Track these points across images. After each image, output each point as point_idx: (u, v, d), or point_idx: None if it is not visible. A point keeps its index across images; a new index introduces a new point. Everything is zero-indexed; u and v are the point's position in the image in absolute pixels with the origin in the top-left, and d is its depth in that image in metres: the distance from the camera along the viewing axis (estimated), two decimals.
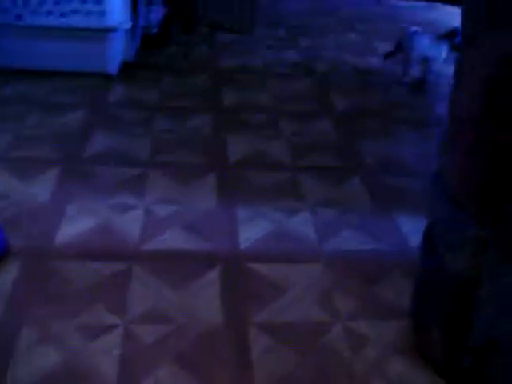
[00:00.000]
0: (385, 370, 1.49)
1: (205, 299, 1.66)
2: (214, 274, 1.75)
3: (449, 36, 3.20)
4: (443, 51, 3.22)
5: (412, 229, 2.06)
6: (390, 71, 3.65)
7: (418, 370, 1.50)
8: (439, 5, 5.42)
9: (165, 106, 2.88)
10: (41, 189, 2.10)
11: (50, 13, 2.97)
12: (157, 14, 3.75)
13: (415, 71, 3.46)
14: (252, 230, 1.96)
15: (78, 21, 2.99)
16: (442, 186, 1.41)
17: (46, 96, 2.89)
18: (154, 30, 3.73)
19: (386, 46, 4.18)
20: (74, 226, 1.91)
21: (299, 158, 2.48)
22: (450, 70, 3.51)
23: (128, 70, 3.30)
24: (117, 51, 3.15)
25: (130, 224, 1.95)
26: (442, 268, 1.37)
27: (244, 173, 2.32)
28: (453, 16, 4.92)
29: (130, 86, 3.09)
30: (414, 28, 3.34)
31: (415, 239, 2.00)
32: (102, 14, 2.98)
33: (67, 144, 2.43)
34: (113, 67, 3.15)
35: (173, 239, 1.89)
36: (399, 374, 1.48)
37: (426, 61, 3.33)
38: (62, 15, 2.98)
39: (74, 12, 2.98)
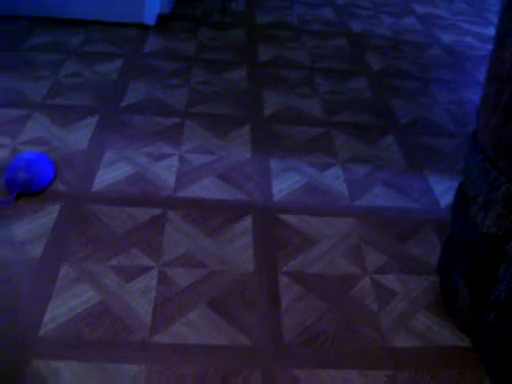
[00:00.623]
0: (411, 324, 1.52)
1: (237, 247, 1.70)
2: (246, 224, 1.79)
3: None
4: None
5: (444, 189, 2.07)
6: (428, 32, 3.62)
7: (444, 325, 1.53)
8: None
9: (201, 58, 2.89)
10: (79, 136, 2.14)
11: None
12: None
13: None
14: (285, 183, 1.99)
15: None
16: (476, 145, 1.42)
17: (82, 45, 2.91)
18: None
19: (424, 8, 4.13)
20: (111, 173, 1.96)
21: (333, 114, 2.49)
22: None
23: (164, 21, 3.31)
24: (154, 1, 3.15)
25: (166, 172, 1.99)
26: (473, 225, 1.39)
27: (278, 127, 2.33)
28: None
29: (166, 37, 3.10)
30: None
31: (446, 199, 2.02)
32: None
33: (105, 93, 2.46)
34: (150, 17, 3.16)
35: (207, 188, 1.93)
36: (425, 329, 1.51)
37: None
38: None
39: None
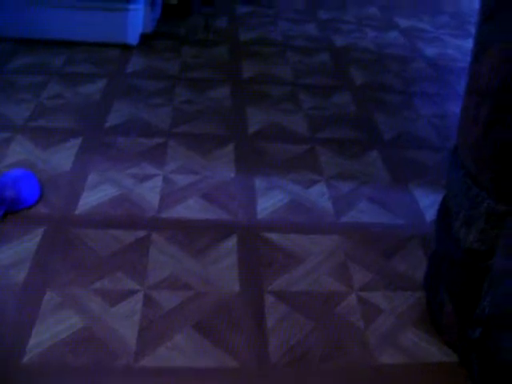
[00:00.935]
0: (398, 341, 1.52)
1: (222, 268, 1.69)
2: (231, 243, 1.78)
3: None
4: None
5: (429, 203, 2.08)
6: (411, 46, 3.64)
7: (431, 341, 1.53)
8: None
9: (185, 77, 2.89)
10: (63, 158, 2.13)
11: None
12: None
13: None
14: (269, 201, 1.99)
15: None
16: (457, 160, 1.42)
17: (65, 66, 2.91)
18: (174, 1, 3.74)
19: (407, 22, 4.16)
20: (95, 195, 1.95)
21: (317, 130, 2.49)
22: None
23: (147, 40, 3.31)
24: (137, 21, 3.16)
25: (150, 193, 1.98)
26: (456, 241, 1.40)
27: (263, 144, 2.34)
28: None
29: (149, 57, 3.11)
30: None
31: (431, 213, 2.02)
32: None
33: (88, 114, 2.46)
34: (133, 37, 3.16)
35: (191, 208, 1.92)
36: (412, 345, 1.51)
37: None
38: None
39: None
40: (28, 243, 1.73)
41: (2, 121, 2.36)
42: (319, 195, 2.05)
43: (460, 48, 3.70)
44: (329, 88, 2.93)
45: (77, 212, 1.87)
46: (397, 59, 3.39)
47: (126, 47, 3.19)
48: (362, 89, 2.95)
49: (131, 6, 3.05)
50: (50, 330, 1.46)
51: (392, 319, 1.58)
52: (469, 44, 3.81)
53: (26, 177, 1.88)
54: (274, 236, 1.83)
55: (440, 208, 1.55)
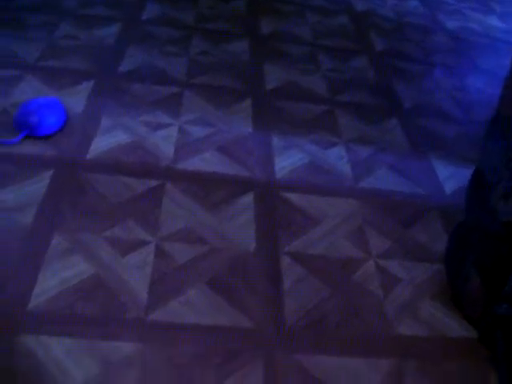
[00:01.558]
0: (416, 313, 1.46)
1: (238, 224, 1.62)
2: (248, 200, 1.71)
3: None
4: None
5: (448, 175, 2.01)
6: (431, 17, 3.54)
7: (450, 315, 1.48)
8: None
9: (201, 28, 2.79)
10: (75, 100, 2.04)
11: None
12: None
13: None
14: (287, 160, 1.92)
15: None
16: (497, 131, 1.35)
17: (80, 7, 2.80)
18: None
19: None
20: (107, 141, 1.87)
21: (336, 93, 2.41)
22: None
23: None
24: None
25: (164, 142, 1.90)
26: (493, 213, 1.33)
27: (281, 102, 2.25)
28: None
29: (165, 4, 3.00)
30: None
31: (451, 185, 1.96)
32: None
33: (101, 58, 2.36)
34: None
35: (207, 161, 1.85)
36: (431, 318, 1.46)
37: None
38: None
39: None
40: (35, 186, 1.65)
41: (11, 58, 2.26)
42: (338, 158, 1.97)
43: (482, 23, 3.60)
44: (348, 51, 2.83)
45: (88, 156, 1.79)
46: (417, 29, 3.30)
47: None
48: (381, 55, 2.86)
49: None
50: (58, 276, 1.39)
51: (410, 290, 1.53)
52: (491, 20, 3.71)
53: (51, 103, 1.86)
54: (291, 196, 1.76)
55: (472, 179, 1.48)
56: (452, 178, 2.00)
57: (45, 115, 1.82)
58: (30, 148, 1.78)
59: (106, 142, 1.86)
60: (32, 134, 1.82)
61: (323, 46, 2.84)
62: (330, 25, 3.12)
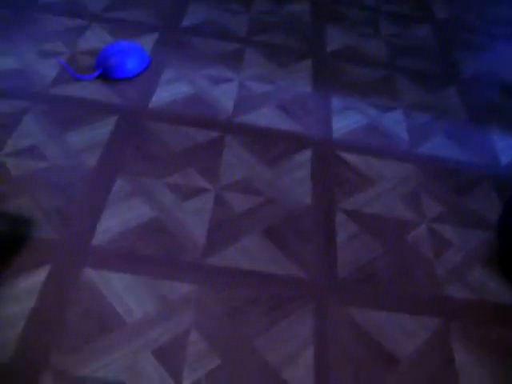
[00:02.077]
0: (465, 276, 1.48)
1: (295, 179, 1.65)
2: (305, 157, 1.73)
3: None
4: None
5: (505, 145, 2.00)
6: None
7: (500, 282, 1.49)
8: None
9: None
10: None
11: None
12: None
13: None
14: (345, 121, 1.93)
15: None
16: None
17: (106, 9, 2.83)
18: None
19: None
20: (170, 92, 1.91)
21: (396, 58, 2.40)
22: None
23: None
24: None
25: (225, 95, 1.93)
26: None
27: (340, 64, 2.26)
28: None
29: None
30: None
31: (507, 156, 1.94)
32: None
33: (164, 11, 2.39)
34: None
35: (266, 117, 1.87)
36: (480, 283, 1.47)
37: None
38: None
39: None
40: (101, 130, 1.70)
41: (77, 8, 2.31)
42: (396, 122, 1.98)
43: None
44: (409, 18, 2.81)
45: (150, 105, 1.83)
46: None
47: None
48: (443, 24, 2.82)
49: None
50: (120, 217, 1.44)
51: (461, 255, 1.54)
52: None
53: (132, 50, 1.93)
54: (348, 156, 1.77)
55: None
56: (509, 149, 1.99)
57: (123, 59, 1.89)
58: (97, 94, 1.83)
59: (168, 92, 1.90)
60: (106, 75, 1.90)
61: (385, 11, 2.82)
62: None
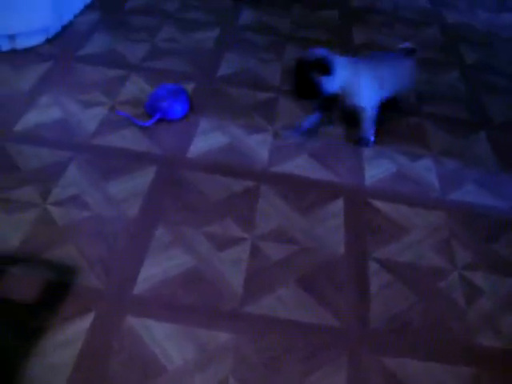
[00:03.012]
0: (498, 325, 1.50)
1: (329, 228, 1.70)
2: (338, 205, 1.78)
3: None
4: None
5: None
6: None
7: None
8: None
9: (294, 36, 2.88)
10: None
11: None
12: None
13: None
14: (376, 169, 1.98)
15: None
16: None
17: (180, 11, 2.93)
18: None
19: None
20: (206, 141, 1.98)
21: (425, 104, 2.45)
22: None
23: None
24: None
25: (259, 145, 1.99)
26: None
27: None
28: None
29: (260, 11, 3.09)
30: None
31: None
32: None
33: (200, 61, 2.48)
34: None
35: (300, 166, 1.93)
36: (511, 330, 1.49)
37: None
38: None
39: None
40: (140, 179, 1.77)
41: (117, 58, 2.41)
42: (426, 169, 2.02)
43: None
44: (438, 63, 2.86)
45: (188, 155, 1.90)
46: (509, 43, 3.28)
47: None
48: (472, 68, 2.87)
49: None
50: (161, 266, 1.50)
51: (493, 302, 1.56)
52: None
53: (179, 91, 2.05)
54: (380, 204, 1.82)
55: None
56: None
57: (174, 101, 2.02)
58: (136, 143, 1.91)
59: (204, 142, 1.97)
60: (163, 117, 2.02)
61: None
62: (421, 36, 3.15)
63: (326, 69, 1.88)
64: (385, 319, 1.46)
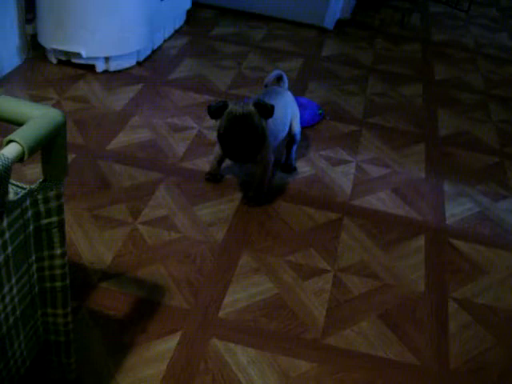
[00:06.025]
0: None
1: (410, 265, 1.72)
2: (419, 243, 1.80)
3: None
4: None
5: None
6: None
7: None
8: None
9: (377, 69, 2.91)
10: None
11: None
12: None
13: None
14: (457, 208, 1.99)
15: None
16: None
17: (265, 40, 3.01)
18: None
19: None
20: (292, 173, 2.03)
21: (507, 145, 2.44)
22: None
23: (343, 26, 3.35)
24: (336, 7, 3.21)
25: (343, 178, 2.03)
26: None
27: (453, 149, 2.33)
28: None
29: (343, 43, 3.15)
30: None
31: None
32: None
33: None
34: (330, 22, 3.22)
35: (382, 200, 1.96)
36: None
37: None
38: None
39: None
40: (227, 205, 1.83)
41: (207, 84, 2.49)
42: (507, 211, 2.02)
43: None
44: None
45: (273, 185, 1.95)
46: None
47: (322, 30, 3.25)
48: None
49: None
50: (245, 292, 1.55)
51: None
52: None
53: (310, 104, 2.31)
54: (460, 244, 1.83)
55: None
56: None
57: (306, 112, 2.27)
58: (227, 171, 1.98)
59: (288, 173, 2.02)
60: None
61: (495, 95, 2.88)
62: (504, 73, 3.14)
63: (268, 110, 1.66)
64: (464, 360, 1.47)
